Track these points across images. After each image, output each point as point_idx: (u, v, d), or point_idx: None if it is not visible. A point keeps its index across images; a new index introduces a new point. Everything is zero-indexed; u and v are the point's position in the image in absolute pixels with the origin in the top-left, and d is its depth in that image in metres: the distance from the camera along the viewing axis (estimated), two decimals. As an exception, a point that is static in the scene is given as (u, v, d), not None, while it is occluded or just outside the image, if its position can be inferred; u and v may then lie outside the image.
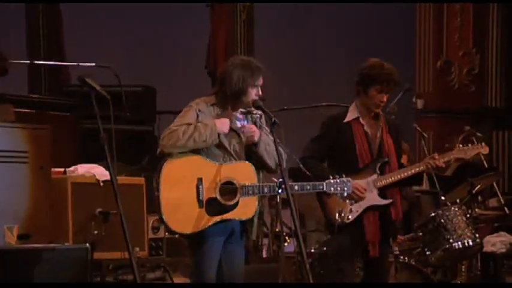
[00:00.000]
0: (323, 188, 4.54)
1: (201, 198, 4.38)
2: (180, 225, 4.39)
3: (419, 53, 9.46)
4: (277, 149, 4.36)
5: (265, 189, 4.44)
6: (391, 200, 4.93)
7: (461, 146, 5.12)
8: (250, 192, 4.41)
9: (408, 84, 6.42)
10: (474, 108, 9.42)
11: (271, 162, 4.51)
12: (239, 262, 4.57)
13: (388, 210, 4.95)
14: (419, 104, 9.40)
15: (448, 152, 5.10)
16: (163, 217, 4.39)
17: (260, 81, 4.51)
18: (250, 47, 9.51)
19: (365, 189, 4.87)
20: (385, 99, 4.93)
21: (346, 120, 5.00)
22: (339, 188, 4.56)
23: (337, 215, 4.91)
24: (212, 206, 4.40)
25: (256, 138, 4.49)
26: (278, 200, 4.67)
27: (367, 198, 4.92)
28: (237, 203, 4.42)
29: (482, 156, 6.09)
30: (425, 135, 6.88)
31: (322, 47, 10.13)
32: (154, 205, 4.48)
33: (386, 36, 9.79)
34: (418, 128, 6.50)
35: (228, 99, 4.50)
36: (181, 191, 4.38)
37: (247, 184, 4.42)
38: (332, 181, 4.55)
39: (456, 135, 9.10)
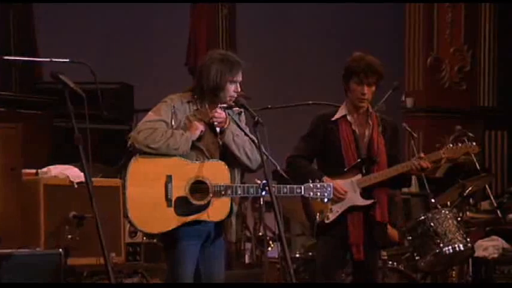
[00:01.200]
0: (301, 192, 4.51)
1: (169, 196, 4.33)
2: (146, 224, 4.35)
3: (409, 50, 9.49)
4: (260, 150, 4.34)
5: (239, 190, 4.40)
6: (372, 201, 4.93)
7: (450, 145, 5.13)
8: (223, 192, 4.36)
9: (397, 82, 6.42)
10: (465, 107, 9.46)
11: (242, 156, 4.47)
12: (218, 267, 4.53)
13: (372, 211, 4.96)
14: (409, 102, 9.43)
15: (435, 151, 5.11)
16: (129, 215, 4.33)
17: (239, 77, 4.48)
18: (232, 43, 9.50)
19: (345, 191, 4.88)
20: (366, 91, 4.91)
21: (334, 118, 5.01)
22: (318, 193, 4.53)
23: (318, 214, 4.92)
24: (181, 206, 4.34)
25: (225, 126, 4.45)
26: (261, 203, 4.66)
27: (349, 198, 4.92)
28: (209, 203, 4.37)
29: (474, 157, 6.11)
30: (415, 135, 6.89)
31: (308, 43, 10.13)
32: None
33: (374, 32, 9.80)
34: (407, 128, 6.51)
35: (205, 95, 4.47)
36: (149, 188, 4.33)
37: (219, 184, 4.38)
38: (311, 185, 4.53)
39: (447, 135, 9.14)
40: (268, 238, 6.53)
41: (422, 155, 4.99)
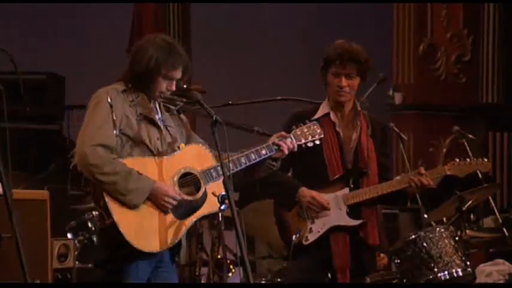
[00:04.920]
0: (292, 141, 4.58)
1: None
2: (154, 243, 4.39)
3: (397, 35, 9.53)
4: (219, 154, 4.35)
5: (230, 165, 4.47)
6: (361, 221, 4.94)
7: (457, 160, 5.16)
8: (214, 175, 4.44)
9: (383, 73, 6.44)
10: (465, 103, 9.53)
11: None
12: None
13: (363, 233, 4.96)
14: (397, 98, 9.48)
15: (438, 167, 5.14)
16: (133, 243, 4.34)
17: (176, 74, 4.48)
18: (185, 26, 9.47)
19: (323, 205, 4.87)
20: (343, 83, 4.92)
21: (314, 117, 4.99)
22: (310, 136, 4.66)
23: (295, 235, 4.92)
24: (179, 208, 4.42)
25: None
26: (220, 219, 4.65)
27: (333, 216, 4.93)
28: (205, 193, 4.45)
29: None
30: (405, 137, 6.92)
31: (276, 28, 10.13)
32: (109, 236, 4.40)
33: (355, 14, 9.83)
34: (395, 129, 6.52)
35: (138, 82, 4.48)
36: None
37: (206, 168, 4.46)
38: (298, 131, 4.65)
39: (442, 137, 9.21)
40: (228, 261, 6.52)
41: (422, 170, 5.00)
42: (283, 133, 4.65)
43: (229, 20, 9.96)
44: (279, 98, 6.02)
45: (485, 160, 5.23)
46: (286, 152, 4.59)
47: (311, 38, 9.45)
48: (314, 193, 4.88)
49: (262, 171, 4.65)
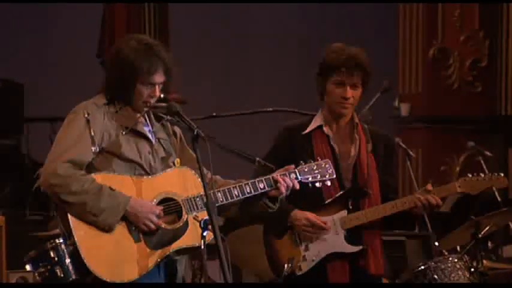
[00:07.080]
0: (296, 177, 4.57)
1: (134, 228, 4.40)
2: (116, 273, 4.37)
3: (404, 39, 9.57)
4: (201, 172, 4.36)
5: (219, 195, 4.49)
6: (361, 247, 4.95)
7: (469, 176, 5.17)
8: (200, 204, 4.44)
9: (387, 81, 6.47)
10: (481, 116, 9.56)
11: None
12: None
13: (363, 261, 4.97)
14: (404, 109, 9.51)
15: (447, 184, 5.14)
16: (91, 268, 4.33)
17: (157, 78, 4.48)
18: (163, 29, 9.49)
19: (320, 226, 4.88)
20: (349, 94, 4.91)
21: (306, 131, 5.01)
22: (319, 175, 4.65)
23: (286, 264, 4.92)
24: (154, 236, 4.42)
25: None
26: (202, 247, 4.66)
27: (329, 242, 4.93)
28: (186, 223, 4.45)
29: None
30: (412, 153, 6.95)
31: (263, 32, 10.16)
32: (72, 258, 4.40)
33: (356, 15, 9.87)
34: (401, 144, 6.56)
35: (119, 92, 4.47)
36: None
37: (191, 196, 4.46)
38: (305, 168, 4.62)
39: (456, 154, 9.24)
40: (211, 296, 6.53)
41: (429, 187, 5.00)
42: (291, 166, 4.63)
43: (213, 22, 9.99)
44: (271, 109, 6.03)
45: (502, 175, 5.22)
46: (284, 191, 4.57)
47: (306, 41, 9.48)
48: (309, 214, 4.89)
49: (256, 210, 4.66)
